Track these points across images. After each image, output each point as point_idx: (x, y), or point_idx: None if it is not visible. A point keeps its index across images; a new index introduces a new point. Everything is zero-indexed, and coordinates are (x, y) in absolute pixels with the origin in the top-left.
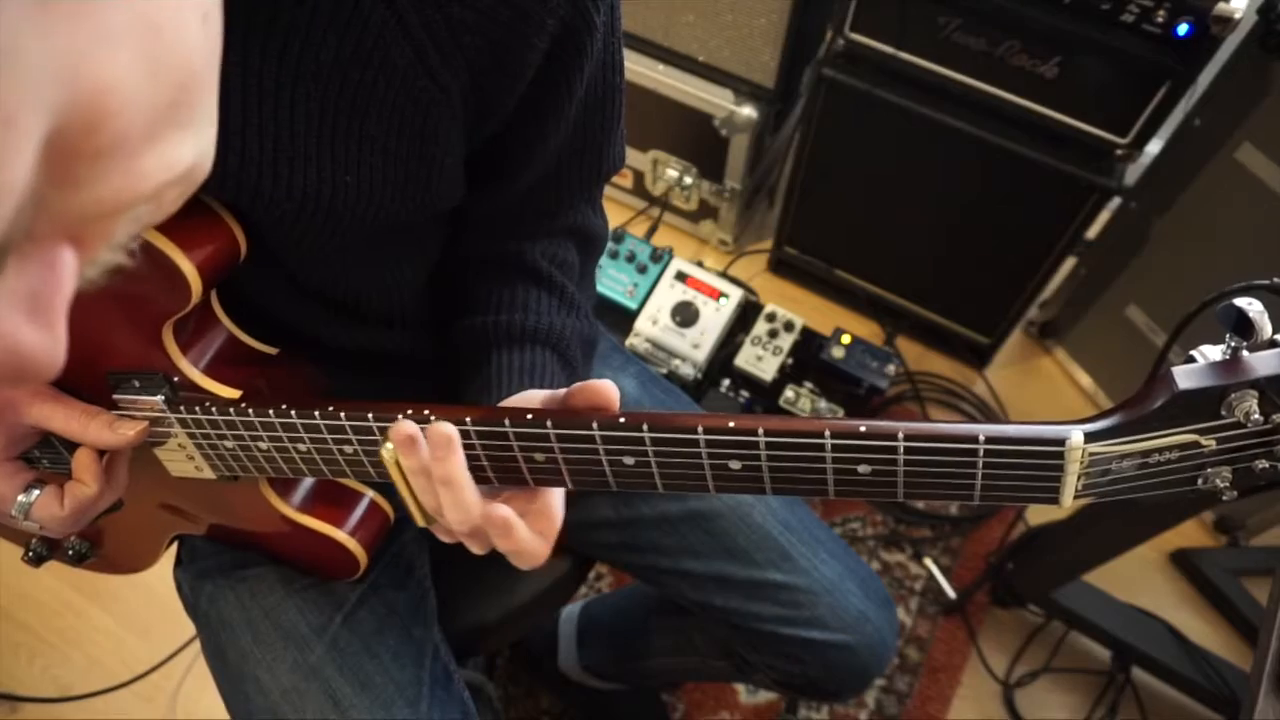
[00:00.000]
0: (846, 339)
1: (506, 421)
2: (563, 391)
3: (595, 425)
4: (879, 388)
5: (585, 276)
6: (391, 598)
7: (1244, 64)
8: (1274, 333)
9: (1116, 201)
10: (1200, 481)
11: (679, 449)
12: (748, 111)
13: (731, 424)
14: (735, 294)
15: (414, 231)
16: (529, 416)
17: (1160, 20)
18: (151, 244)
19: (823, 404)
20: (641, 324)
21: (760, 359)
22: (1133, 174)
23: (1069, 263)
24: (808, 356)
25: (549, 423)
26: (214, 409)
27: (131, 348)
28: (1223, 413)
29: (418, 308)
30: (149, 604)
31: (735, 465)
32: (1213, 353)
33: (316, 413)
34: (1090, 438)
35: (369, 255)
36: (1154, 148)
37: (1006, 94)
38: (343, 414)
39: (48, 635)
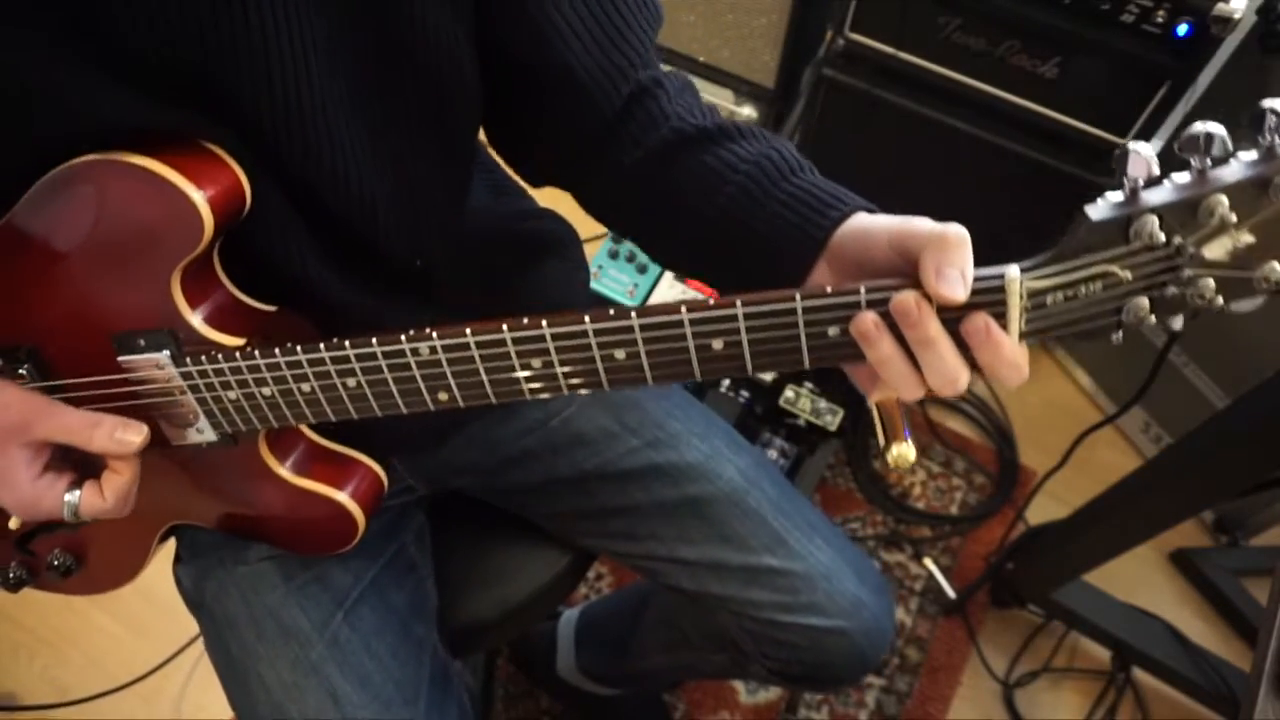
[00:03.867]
0: None
1: (504, 327)
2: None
3: (588, 320)
4: None
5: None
6: (392, 596)
7: (1244, 64)
8: (1162, 173)
9: None
10: (1124, 314)
11: (665, 331)
12: (747, 111)
13: (711, 301)
14: None
15: (418, 126)
16: (524, 321)
17: (1160, 20)
18: (164, 178)
19: (823, 404)
20: None
21: None
22: None
23: None
24: None
25: (544, 322)
26: (219, 356)
27: (137, 304)
28: (1131, 238)
29: (440, 249)
30: (149, 605)
31: (718, 345)
32: (1114, 195)
33: (321, 345)
34: (1025, 270)
35: (374, 149)
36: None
37: (1006, 94)
38: (347, 343)
39: (48, 635)
